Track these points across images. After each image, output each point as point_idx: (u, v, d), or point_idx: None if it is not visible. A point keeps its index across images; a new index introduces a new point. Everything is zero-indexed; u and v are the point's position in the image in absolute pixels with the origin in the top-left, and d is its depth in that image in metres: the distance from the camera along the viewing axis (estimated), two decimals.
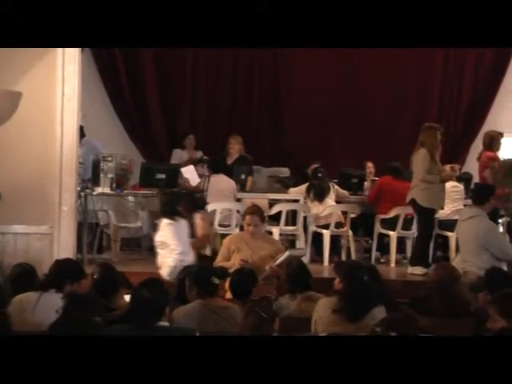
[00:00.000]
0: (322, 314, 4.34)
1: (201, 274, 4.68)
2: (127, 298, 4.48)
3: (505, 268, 6.25)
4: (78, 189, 7.39)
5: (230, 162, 9.04)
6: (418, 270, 7.34)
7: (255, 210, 6.13)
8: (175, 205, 6.41)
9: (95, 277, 4.75)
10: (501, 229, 7.89)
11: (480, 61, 11.45)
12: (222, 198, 7.99)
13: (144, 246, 8.30)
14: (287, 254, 5.76)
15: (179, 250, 6.09)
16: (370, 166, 9.53)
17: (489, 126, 11.12)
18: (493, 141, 8.19)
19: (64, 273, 4.60)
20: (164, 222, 6.21)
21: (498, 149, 8.10)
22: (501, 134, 8.27)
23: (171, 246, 6.12)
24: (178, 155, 9.52)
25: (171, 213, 6.29)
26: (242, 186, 8.52)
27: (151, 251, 8.58)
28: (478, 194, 6.78)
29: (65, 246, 6.82)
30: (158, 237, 6.28)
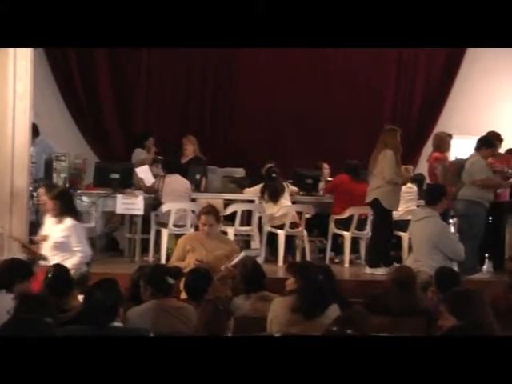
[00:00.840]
0: (277, 314, 4.36)
1: (155, 274, 4.65)
2: (80, 298, 4.43)
3: (456, 268, 6.36)
4: (30, 188, 7.27)
5: (184, 162, 9.01)
6: (381, 271, 7.38)
7: (210, 210, 6.11)
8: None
9: (49, 277, 4.69)
10: (452, 229, 8.03)
11: (432, 63, 11.63)
12: (177, 198, 7.96)
13: (98, 247, 8.21)
14: (242, 254, 5.77)
15: (84, 253, 5.84)
16: (325, 168, 9.59)
17: (441, 127, 11.31)
18: (441, 142, 8.32)
19: (13, 272, 4.52)
20: (68, 223, 5.88)
21: (446, 150, 8.21)
22: (449, 136, 8.40)
23: (74, 248, 5.83)
24: (139, 155, 9.43)
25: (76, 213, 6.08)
26: (196, 186, 8.50)
27: (105, 252, 8.55)
28: (431, 195, 6.87)
29: (17, 246, 6.69)
30: (61, 238, 5.85)
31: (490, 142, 7.73)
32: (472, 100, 11.53)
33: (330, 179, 9.28)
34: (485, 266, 8.27)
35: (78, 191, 7.92)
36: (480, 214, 7.52)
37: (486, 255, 8.39)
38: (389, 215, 7.59)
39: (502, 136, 8.10)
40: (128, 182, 8.00)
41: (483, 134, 8.02)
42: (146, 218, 8.07)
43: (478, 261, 7.92)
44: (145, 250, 8.12)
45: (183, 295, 5.15)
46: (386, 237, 7.65)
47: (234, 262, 5.66)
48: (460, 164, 7.84)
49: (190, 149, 9.15)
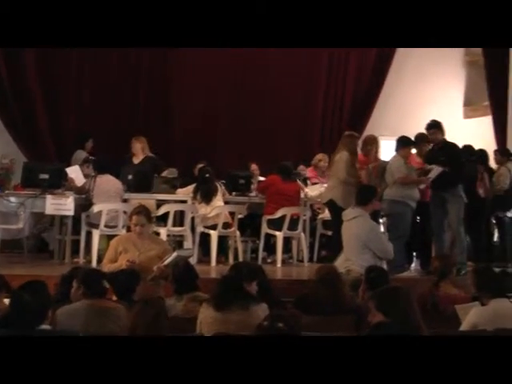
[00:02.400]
0: (207, 315, 4.37)
1: (90, 276, 4.59)
2: (7, 301, 4.33)
3: (385, 266, 6.49)
4: None
5: (136, 162, 8.95)
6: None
7: (141, 210, 6.06)
8: None
9: None
10: (382, 228, 8.18)
11: (362, 65, 11.84)
12: (108, 199, 7.87)
13: (26, 248, 8.05)
14: (175, 254, 5.74)
15: None
16: (254, 169, 9.64)
17: (371, 129, 11.53)
18: (363, 144, 8.44)
19: None
20: None
21: (368, 152, 8.34)
22: (373, 138, 8.55)
23: None
24: (80, 156, 9.28)
25: None
26: (128, 187, 8.41)
27: (34, 253, 8.38)
28: (361, 195, 6.99)
29: None
30: None
31: (406, 141, 7.92)
32: (401, 102, 11.80)
33: (261, 179, 9.33)
34: (413, 265, 8.47)
35: (6, 191, 7.75)
36: (404, 213, 7.67)
37: (414, 254, 8.59)
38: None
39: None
40: (58, 183, 7.86)
41: (412, 135, 8.22)
42: (76, 219, 7.95)
43: (406, 259, 8.11)
44: (75, 251, 7.99)
45: (115, 298, 5.10)
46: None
47: (166, 262, 5.64)
48: (382, 166, 8.03)
49: (138, 148, 9.03)
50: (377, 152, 8.46)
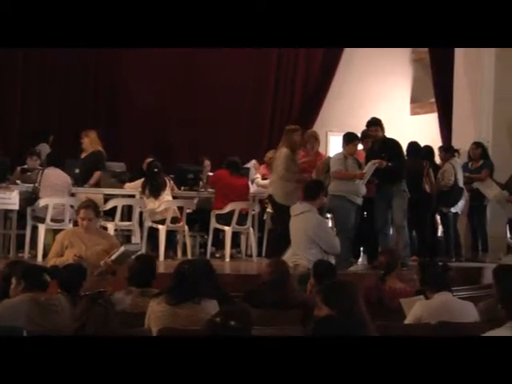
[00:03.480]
0: (156, 309, 4.36)
1: (31, 270, 4.52)
2: None
3: (333, 261, 6.55)
4: None
5: (83, 156, 8.84)
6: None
7: (89, 204, 6.00)
8: None
9: None
10: (330, 223, 8.26)
11: (311, 63, 11.96)
12: (55, 193, 7.77)
13: None
14: (122, 249, 5.69)
15: None
16: (207, 165, 9.65)
17: (320, 125, 11.66)
18: (303, 140, 8.51)
19: None
20: None
21: (308, 148, 8.44)
22: (311, 135, 8.65)
23: None
24: (45, 150, 9.17)
25: None
26: (76, 181, 8.31)
27: None
28: (309, 191, 7.04)
29: None
30: None
31: (351, 137, 8.01)
32: (350, 99, 11.94)
33: (211, 174, 9.34)
34: (360, 259, 8.58)
35: None
36: (343, 208, 7.68)
37: (362, 249, 8.70)
38: (285, 211, 7.56)
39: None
40: (2, 177, 7.73)
41: (361, 131, 8.32)
42: (21, 214, 7.83)
43: (354, 254, 8.21)
44: (20, 246, 7.87)
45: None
46: (282, 231, 7.71)
47: (113, 257, 5.59)
48: (327, 162, 8.12)
49: (86, 142, 8.91)
50: (313, 148, 8.52)
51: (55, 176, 7.87)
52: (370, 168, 7.78)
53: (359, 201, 7.85)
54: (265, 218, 9.00)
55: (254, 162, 9.90)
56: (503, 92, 9.63)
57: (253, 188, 9.06)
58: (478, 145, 9.31)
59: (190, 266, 4.57)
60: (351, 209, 7.77)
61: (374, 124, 8.02)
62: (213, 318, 3.15)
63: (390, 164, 7.77)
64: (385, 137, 8.08)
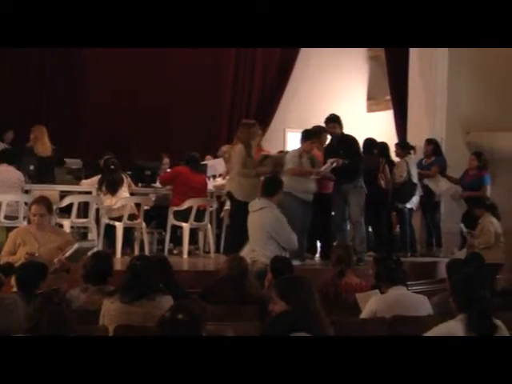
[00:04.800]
0: (110, 307, 4.33)
1: None
2: None
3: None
4: None
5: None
6: None
7: (41, 200, 5.90)
8: None
9: None
10: None
11: (268, 61, 12.01)
12: (8, 190, 7.65)
13: None
14: (76, 246, 5.62)
15: None
16: (166, 162, 9.61)
17: (277, 122, 11.71)
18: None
19: None
20: None
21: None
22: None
23: None
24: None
25: None
26: (30, 177, 8.20)
27: None
28: (267, 187, 7.05)
29: None
30: None
31: (307, 134, 8.04)
32: (307, 95, 12.02)
33: (168, 171, 9.30)
34: (317, 255, 8.63)
35: None
36: (291, 205, 7.57)
37: (318, 244, 8.75)
38: (242, 207, 7.52)
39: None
40: None
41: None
42: None
43: (310, 250, 8.26)
44: None
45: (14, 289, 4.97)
46: (239, 227, 7.68)
47: (67, 254, 5.52)
48: (274, 160, 8.14)
49: (32, 138, 8.78)
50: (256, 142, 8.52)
51: (7, 172, 7.76)
52: (327, 167, 7.85)
53: (308, 197, 7.86)
54: (222, 215, 9.01)
55: (208, 157, 9.87)
56: (456, 90, 9.79)
57: (210, 185, 9.06)
58: (429, 141, 9.43)
59: (142, 261, 4.55)
60: (297, 206, 7.73)
61: (333, 121, 8.06)
62: (164, 313, 3.16)
63: (346, 162, 7.83)
64: (343, 133, 8.13)
